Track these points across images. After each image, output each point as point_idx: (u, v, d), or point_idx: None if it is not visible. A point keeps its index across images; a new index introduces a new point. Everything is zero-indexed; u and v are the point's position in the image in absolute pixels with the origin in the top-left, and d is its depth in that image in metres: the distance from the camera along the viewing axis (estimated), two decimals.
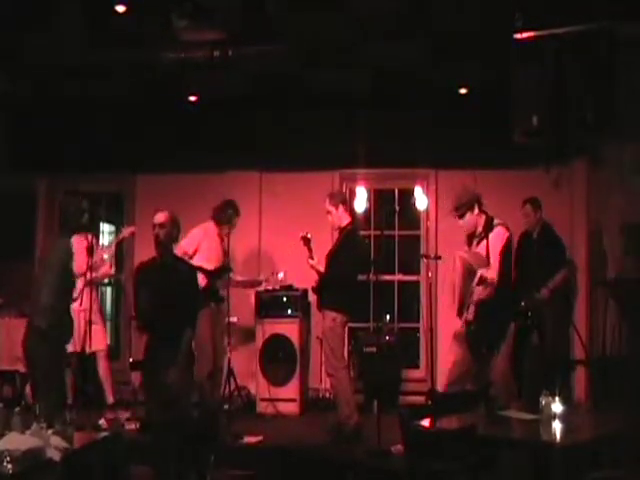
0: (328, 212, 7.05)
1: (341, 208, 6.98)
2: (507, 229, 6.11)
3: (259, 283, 8.22)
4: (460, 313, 6.16)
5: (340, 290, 6.85)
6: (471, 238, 6.29)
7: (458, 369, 6.22)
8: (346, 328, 7.16)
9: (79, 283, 7.20)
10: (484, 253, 5.95)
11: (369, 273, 7.61)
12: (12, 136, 8.28)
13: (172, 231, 5.55)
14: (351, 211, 7.16)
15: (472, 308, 6.02)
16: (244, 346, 8.48)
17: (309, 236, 7.03)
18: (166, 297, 5.37)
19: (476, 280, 5.92)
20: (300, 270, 8.36)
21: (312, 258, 7.00)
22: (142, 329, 5.66)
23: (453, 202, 6.22)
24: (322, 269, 6.93)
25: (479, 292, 5.96)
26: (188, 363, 5.50)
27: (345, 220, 7.02)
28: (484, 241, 6.02)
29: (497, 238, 6.02)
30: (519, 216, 7.51)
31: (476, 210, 6.11)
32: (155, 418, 5.37)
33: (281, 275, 8.28)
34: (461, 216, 6.13)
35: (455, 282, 6.21)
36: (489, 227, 6.08)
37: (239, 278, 7.92)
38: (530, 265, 7.40)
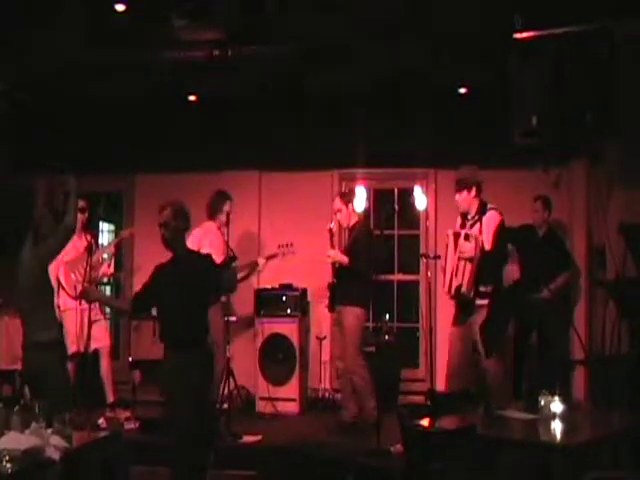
0: (338, 210, 7.24)
1: (351, 207, 7.18)
2: (500, 213, 6.41)
3: (256, 265, 7.87)
4: (449, 285, 6.30)
5: (361, 286, 6.92)
6: (465, 219, 6.44)
7: (455, 362, 6.33)
8: None
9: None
10: (477, 233, 6.28)
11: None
12: (11, 136, 8.26)
13: (178, 225, 5.25)
14: (362, 210, 7.31)
15: (461, 269, 6.19)
16: (243, 345, 8.48)
17: (334, 229, 7.24)
18: (183, 293, 5.06)
19: (462, 237, 6.23)
20: (299, 269, 8.40)
21: (333, 248, 7.07)
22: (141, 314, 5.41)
23: (455, 176, 6.56)
24: (345, 259, 7.00)
25: (466, 248, 6.19)
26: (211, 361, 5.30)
27: (354, 219, 7.21)
28: (477, 224, 6.34)
29: (491, 220, 6.34)
30: (517, 216, 7.51)
31: (473, 192, 6.42)
32: (180, 420, 5.00)
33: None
34: (458, 190, 6.45)
35: (448, 257, 6.35)
36: (482, 211, 6.40)
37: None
38: (533, 264, 7.43)
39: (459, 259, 6.26)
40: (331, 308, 7.25)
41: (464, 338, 6.37)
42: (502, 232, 6.36)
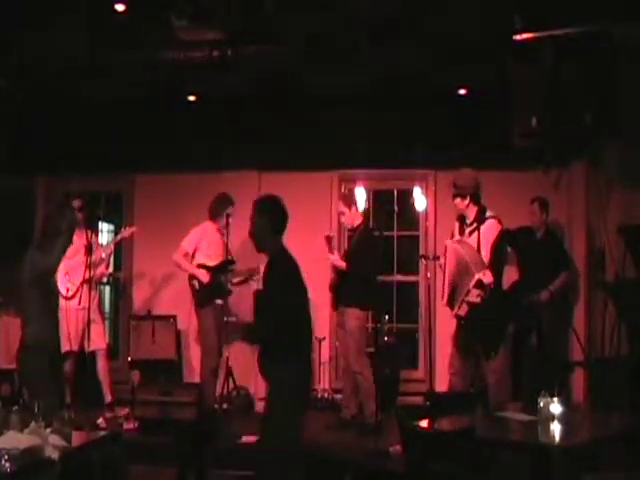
0: (341, 213, 7.31)
1: (354, 208, 7.21)
2: (500, 223, 6.23)
3: (255, 272, 7.93)
4: (450, 304, 6.21)
5: (363, 288, 6.97)
6: (462, 225, 6.35)
7: (458, 379, 6.26)
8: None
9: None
10: (475, 244, 6.06)
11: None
12: (11, 136, 8.26)
13: (264, 223, 4.77)
14: (363, 211, 7.34)
15: (465, 307, 6.06)
16: (243, 346, 8.46)
17: (332, 235, 7.36)
18: (293, 303, 4.65)
19: (473, 282, 5.95)
20: None
21: (332, 253, 7.11)
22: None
23: (453, 180, 6.40)
24: (343, 264, 7.05)
25: (474, 294, 5.99)
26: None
27: (358, 220, 7.24)
28: (476, 232, 6.16)
29: (490, 230, 6.15)
30: (517, 217, 7.51)
31: (468, 199, 6.25)
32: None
33: None
34: (454, 196, 6.32)
35: (446, 271, 6.26)
36: (481, 218, 6.22)
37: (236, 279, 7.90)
38: (532, 265, 7.42)
39: (465, 293, 6.07)
40: (334, 307, 7.34)
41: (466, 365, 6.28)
42: (502, 243, 6.18)
